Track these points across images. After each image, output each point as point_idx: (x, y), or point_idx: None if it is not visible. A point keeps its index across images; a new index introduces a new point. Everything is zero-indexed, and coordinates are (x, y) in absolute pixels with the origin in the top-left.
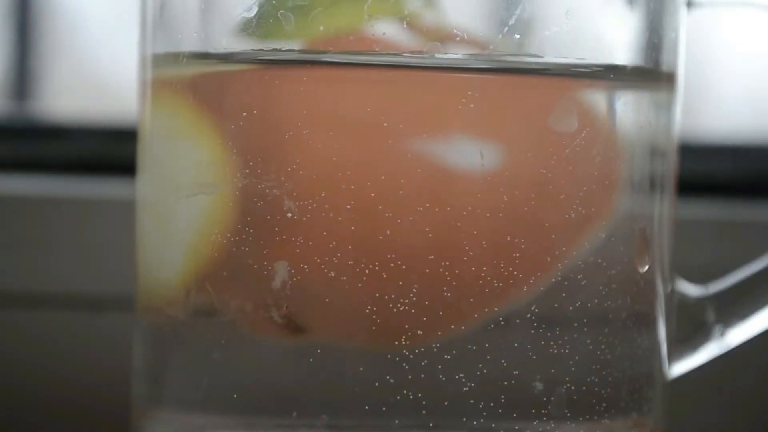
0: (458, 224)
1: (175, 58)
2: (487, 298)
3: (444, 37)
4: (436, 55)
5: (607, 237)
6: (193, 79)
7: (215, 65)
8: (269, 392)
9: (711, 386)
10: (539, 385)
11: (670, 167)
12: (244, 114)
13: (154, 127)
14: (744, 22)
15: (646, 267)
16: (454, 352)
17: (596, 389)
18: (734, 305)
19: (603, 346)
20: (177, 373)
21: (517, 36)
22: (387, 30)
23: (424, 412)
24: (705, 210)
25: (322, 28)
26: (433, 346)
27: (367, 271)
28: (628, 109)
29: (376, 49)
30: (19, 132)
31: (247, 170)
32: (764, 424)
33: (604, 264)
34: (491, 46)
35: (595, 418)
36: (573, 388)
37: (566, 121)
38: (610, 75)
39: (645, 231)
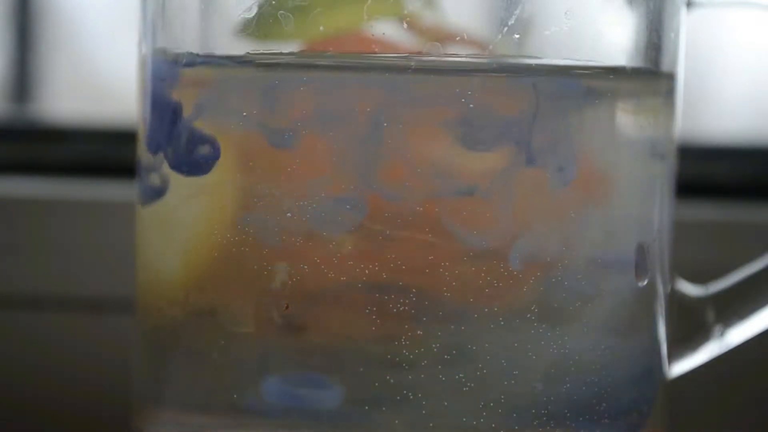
0: (458, 224)
1: (175, 58)
2: (487, 298)
3: (444, 37)
4: (436, 56)
5: (606, 237)
6: (193, 80)
7: (215, 65)
8: (269, 392)
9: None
10: (539, 385)
11: (670, 168)
12: (244, 114)
13: None
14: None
15: (645, 281)
16: (454, 352)
17: (596, 389)
18: (734, 305)
19: (603, 346)
20: (177, 373)
21: (517, 36)
22: (387, 30)
23: (424, 412)
24: (705, 211)
25: (321, 28)
26: (433, 346)
27: (367, 271)
28: (627, 110)
29: (376, 50)
30: (19, 134)
31: (247, 170)
32: (764, 424)
33: (604, 264)
34: (491, 46)
35: (595, 418)
36: (573, 388)
37: (565, 121)
38: (610, 75)
39: (643, 246)
